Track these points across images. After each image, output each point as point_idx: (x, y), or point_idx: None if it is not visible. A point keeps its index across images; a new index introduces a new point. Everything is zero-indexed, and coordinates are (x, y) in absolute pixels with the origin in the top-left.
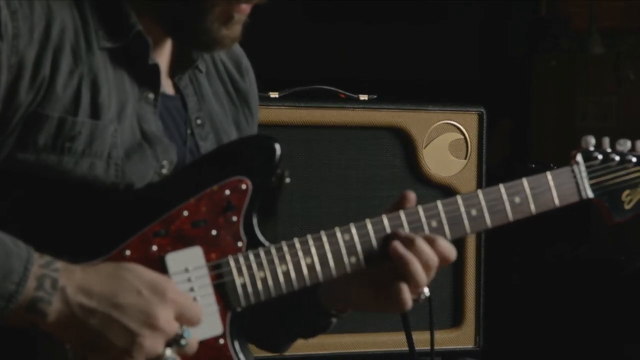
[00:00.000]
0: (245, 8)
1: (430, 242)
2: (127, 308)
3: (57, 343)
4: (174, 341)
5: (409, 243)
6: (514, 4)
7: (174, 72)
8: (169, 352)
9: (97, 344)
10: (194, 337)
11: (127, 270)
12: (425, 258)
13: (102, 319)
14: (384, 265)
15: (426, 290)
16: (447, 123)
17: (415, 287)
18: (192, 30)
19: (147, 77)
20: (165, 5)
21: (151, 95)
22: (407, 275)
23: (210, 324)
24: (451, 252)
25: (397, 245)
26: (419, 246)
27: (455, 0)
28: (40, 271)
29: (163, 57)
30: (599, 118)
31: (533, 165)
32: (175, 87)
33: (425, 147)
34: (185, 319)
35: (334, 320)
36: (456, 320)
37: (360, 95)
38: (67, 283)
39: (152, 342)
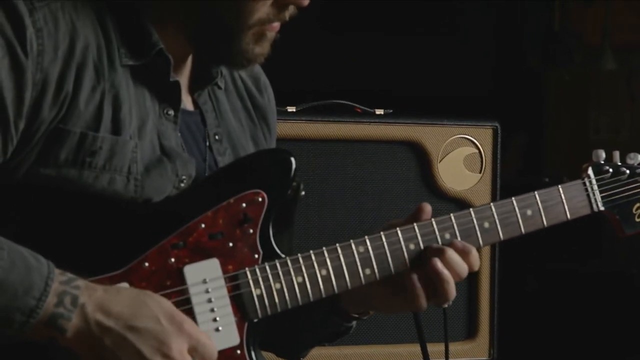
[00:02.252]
0: (277, 25)
1: (466, 253)
2: (143, 332)
3: (74, 358)
4: None
5: (442, 255)
6: (528, 18)
7: (193, 89)
8: None
9: None
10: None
11: (149, 297)
12: (458, 270)
13: (117, 339)
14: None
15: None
16: (462, 137)
17: (445, 301)
18: (228, 52)
19: (168, 94)
20: (201, 28)
21: (171, 112)
22: (440, 291)
23: (227, 334)
24: (477, 262)
25: (437, 262)
26: (451, 259)
27: (469, 15)
28: (60, 288)
29: (183, 73)
30: (612, 132)
31: (547, 179)
32: (195, 102)
33: (441, 161)
34: (198, 355)
35: (354, 323)
36: (470, 332)
37: (376, 110)
38: (87, 301)
39: None
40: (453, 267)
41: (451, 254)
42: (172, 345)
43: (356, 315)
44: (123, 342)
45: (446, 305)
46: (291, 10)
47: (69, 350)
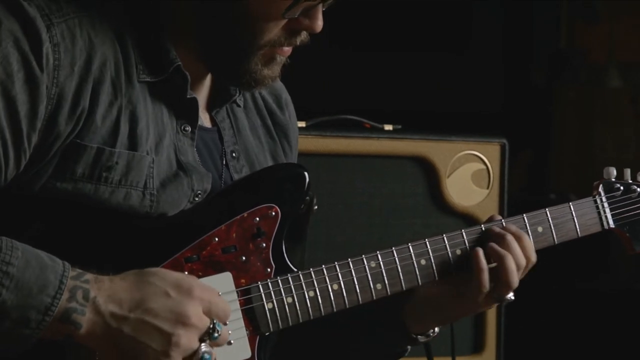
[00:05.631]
0: (288, 50)
1: (518, 237)
2: (158, 310)
3: (88, 355)
4: (207, 335)
5: (500, 240)
6: (534, 36)
7: (211, 106)
8: (204, 346)
9: (134, 351)
10: (224, 331)
11: (151, 275)
12: (518, 259)
13: (136, 325)
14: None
15: (511, 295)
16: (470, 153)
17: (506, 286)
18: (236, 71)
19: (185, 110)
20: (211, 48)
21: (189, 128)
22: (500, 273)
23: (239, 347)
24: (533, 252)
25: (494, 245)
26: (510, 244)
27: (477, 33)
28: (72, 283)
29: (202, 91)
30: (618, 149)
31: (553, 196)
32: (212, 120)
33: (449, 176)
34: (214, 314)
35: (409, 348)
36: (477, 347)
37: (385, 125)
38: (97, 293)
39: (187, 340)
40: (510, 247)
41: (509, 238)
42: (189, 313)
43: (415, 335)
44: (143, 326)
45: (508, 299)
46: (303, 36)
47: (85, 349)
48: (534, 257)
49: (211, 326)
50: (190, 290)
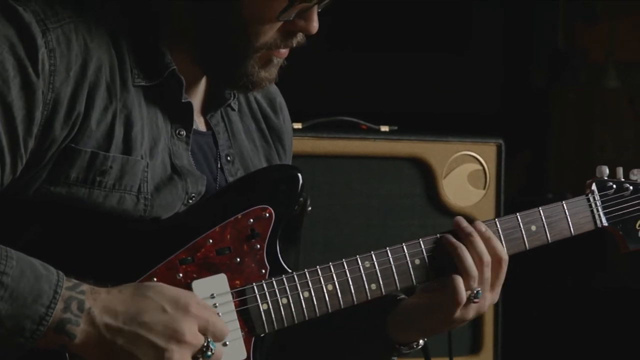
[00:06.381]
0: (284, 52)
1: (485, 239)
2: (153, 325)
3: None
4: (200, 353)
5: (464, 236)
6: (533, 36)
7: (206, 110)
8: None
9: None
10: (218, 351)
11: (149, 289)
12: (478, 251)
13: (129, 338)
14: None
15: (478, 288)
16: (467, 154)
17: (467, 277)
18: (232, 73)
19: (180, 114)
20: (208, 51)
21: (183, 132)
22: (458, 265)
23: (235, 349)
24: (502, 251)
25: (448, 236)
26: (473, 239)
27: (476, 34)
28: (67, 293)
29: (196, 94)
30: (617, 150)
31: (550, 196)
32: (207, 123)
33: (445, 177)
34: (209, 333)
35: (395, 358)
36: (475, 347)
37: (381, 127)
38: (93, 305)
39: (180, 356)
40: (474, 246)
41: (475, 236)
42: (183, 330)
43: (398, 346)
44: (136, 339)
45: (475, 297)
46: (299, 37)
47: (80, 358)
48: (504, 257)
49: (205, 344)
50: (187, 307)
